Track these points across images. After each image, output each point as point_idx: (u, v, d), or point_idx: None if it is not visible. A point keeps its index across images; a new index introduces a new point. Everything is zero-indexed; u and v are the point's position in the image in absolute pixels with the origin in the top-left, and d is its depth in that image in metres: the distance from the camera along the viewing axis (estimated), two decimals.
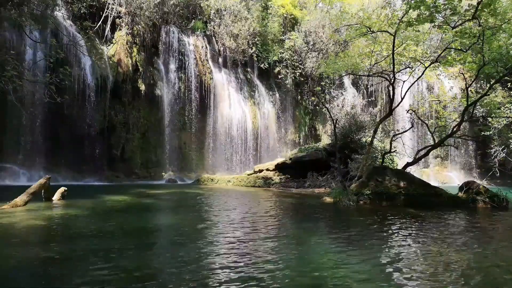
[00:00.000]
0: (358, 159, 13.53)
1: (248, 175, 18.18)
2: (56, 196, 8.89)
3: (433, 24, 11.31)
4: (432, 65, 12.51)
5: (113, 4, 19.19)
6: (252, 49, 24.18)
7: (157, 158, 20.62)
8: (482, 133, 19.52)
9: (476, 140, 21.59)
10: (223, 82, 23.19)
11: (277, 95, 25.80)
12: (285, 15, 26.19)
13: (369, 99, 25.70)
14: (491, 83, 12.03)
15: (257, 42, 24.43)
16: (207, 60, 22.80)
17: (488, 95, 13.58)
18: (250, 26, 23.87)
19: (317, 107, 25.67)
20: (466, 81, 14.60)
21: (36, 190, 8.11)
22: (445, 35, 12.99)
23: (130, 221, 6.77)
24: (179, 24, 22.57)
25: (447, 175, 24.88)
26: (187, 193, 12.73)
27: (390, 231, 6.12)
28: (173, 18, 22.27)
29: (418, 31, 11.60)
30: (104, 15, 18.94)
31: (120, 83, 19.13)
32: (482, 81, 19.30)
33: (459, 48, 11.35)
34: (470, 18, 10.00)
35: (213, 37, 23.73)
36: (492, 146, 20.72)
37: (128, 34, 19.84)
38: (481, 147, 23.27)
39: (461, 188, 10.42)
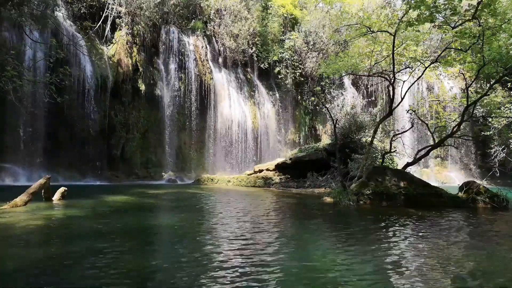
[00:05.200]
0: (358, 159, 13.53)
1: (248, 175, 18.17)
2: (56, 196, 8.89)
3: (433, 24, 11.31)
4: (432, 65, 12.52)
5: (113, 4, 19.18)
6: (252, 49, 24.18)
7: (157, 158, 20.62)
8: (482, 133, 19.52)
9: (476, 140, 21.59)
10: (223, 82, 23.19)
11: (277, 95, 25.79)
12: (285, 15, 26.19)
13: (369, 99, 25.70)
14: (491, 83, 12.03)
15: (257, 42, 24.43)
16: (207, 60, 22.79)
17: (488, 95, 13.58)
18: (250, 26, 23.87)
19: (317, 107, 25.66)
20: (466, 81, 14.61)
21: (36, 190, 8.10)
22: (445, 35, 12.99)
23: (130, 221, 6.76)
24: (179, 24, 22.56)
25: (447, 175, 24.87)
26: (187, 193, 12.72)
27: (390, 231, 6.12)
28: (173, 18, 22.26)
29: (418, 31, 11.59)
30: (104, 15, 18.93)
31: (120, 83, 19.13)
32: (482, 81, 19.31)
33: (459, 48, 11.35)
34: (470, 18, 10.00)
35: (213, 37, 23.73)
36: (492, 146, 20.72)
37: (128, 34, 19.83)
38: (481, 147, 23.26)
39: (461, 188, 10.41)
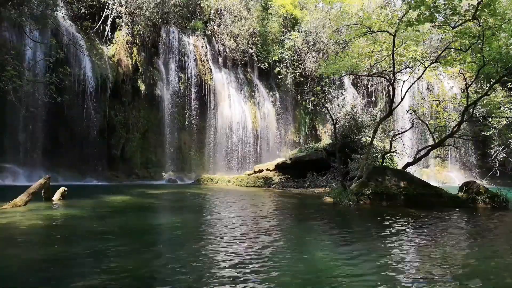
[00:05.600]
0: (358, 159, 13.53)
1: (248, 175, 18.17)
2: (56, 196, 8.89)
3: (433, 24, 11.31)
4: (432, 65, 12.51)
5: (113, 4, 19.18)
6: (252, 49, 24.18)
7: (157, 158, 20.62)
8: (482, 133, 19.53)
9: (476, 140, 21.59)
10: (223, 82, 23.19)
11: (277, 95, 25.79)
12: (285, 15, 26.19)
13: (369, 99, 25.69)
14: (491, 83, 12.02)
15: (257, 42, 24.43)
16: (207, 60, 22.79)
17: (488, 95, 13.58)
18: (250, 26, 23.87)
19: (317, 107, 25.66)
20: (466, 81, 14.61)
21: (36, 190, 8.10)
22: (445, 35, 13.00)
23: (130, 221, 6.77)
24: (179, 24, 22.56)
25: (447, 175, 24.86)
26: (187, 193, 12.73)
27: (390, 231, 6.12)
28: (173, 18, 22.26)
29: (418, 31, 11.59)
30: (104, 15, 18.93)
31: (120, 83, 19.13)
32: (482, 81, 19.31)
33: (459, 48, 11.36)
34: (470, 18, 10.00)
35: (213, 37, 23.73)
36: (492, 146, 20.72)
37: (128, 34, 19.83)
38: (481, 147, 23.26)
39: (461, 188, 10.41)
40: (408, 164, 12.19)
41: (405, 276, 3.67)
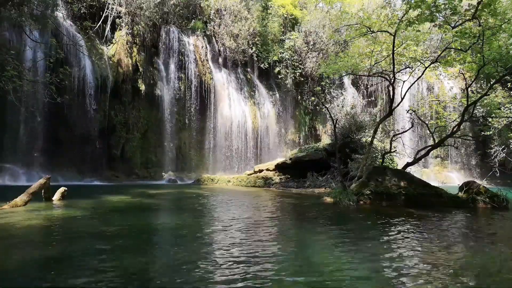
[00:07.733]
0: (358, 159, 13.53)
1: (248, 175, 18.17)
2: (56, 196, 8.89)
3: (433, 24, 11.31)
4: (432, 65, 12.51)
5: (113, 4, 19.19)
6: (252, 49, 24.18)
7: (157, 158, 20.62)
8: (482, 133, 19.53)
9: (476, 140, 21.60)
10: (223, 82, 23.19)
11: (277, 95, 25.79)
12: (285, 15, 26.20)
13: (369, 99, 25.69)
14: (491, 83, 12.02)
15: (257, 42, 24.43)
16: (207, 60, 22.80)
17: (488, 95, 13.58)
18: (250, 26, 23.88)
19: (317, 107, 25.67)
20: (466, 81, 14.61)
21: (36, 190, 8.10)
22: (445, 35, 12.99)
23: (130, 221, 6.76)
24: (179, 24, 22.57)
25: (447, 175, 24.86)
26: (187, 193, 12.73)
27: (390, 232, 6.11)
28: (173, 18, 22.27)
29: (418, 31, 11.58)
30: (104, 15, 18.95)
31: (120, 83, 19.14)
32: (482, 81, 19.31)
33: (459, 48, 11.35)
34: (470, 18, 10.00)
35: (213, 37, 23.73)
36: (492, 146, 20.73)
37: (128, 34, 19.84)
38: (481, 147, 23.27)
39: (461, 188, 10.40)
40: (408, 164, 12.18)
41: (405, 277, 3.67)
